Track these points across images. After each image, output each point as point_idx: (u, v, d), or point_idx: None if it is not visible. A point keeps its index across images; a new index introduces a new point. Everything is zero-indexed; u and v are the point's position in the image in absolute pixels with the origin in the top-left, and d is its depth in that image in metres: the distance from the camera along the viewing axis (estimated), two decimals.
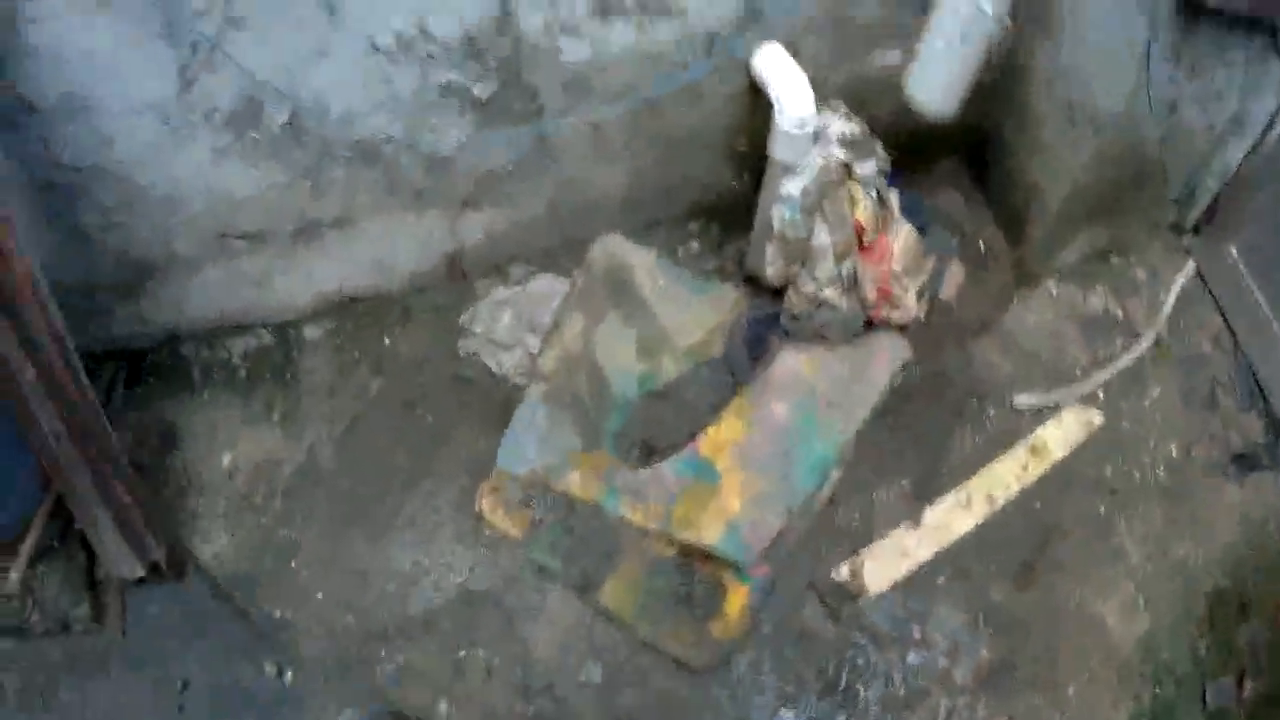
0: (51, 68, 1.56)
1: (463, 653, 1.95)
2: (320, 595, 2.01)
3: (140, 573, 1.95)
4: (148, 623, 2.02)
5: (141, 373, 2.23)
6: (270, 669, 1.97)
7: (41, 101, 1.60)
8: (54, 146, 1.69)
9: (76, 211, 1.85)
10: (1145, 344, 2.33)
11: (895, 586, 1.99)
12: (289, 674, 1.98)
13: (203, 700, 1.95)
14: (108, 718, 1.94)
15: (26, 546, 1.95)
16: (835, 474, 2.00)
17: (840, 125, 1.88)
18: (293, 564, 2.04)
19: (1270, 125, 2.33)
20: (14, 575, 1.93)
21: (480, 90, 1.83)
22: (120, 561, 1.93)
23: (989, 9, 1.79)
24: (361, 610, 1.99)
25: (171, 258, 2.01)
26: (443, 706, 1.92)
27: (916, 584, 2.01)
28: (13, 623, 1.99)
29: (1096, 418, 2.22)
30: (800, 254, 1.95)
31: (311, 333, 2.24)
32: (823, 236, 1.92)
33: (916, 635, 1.96)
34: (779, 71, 1.85)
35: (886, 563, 1.98)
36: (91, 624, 2.01)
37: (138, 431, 2.14)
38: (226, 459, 2.13)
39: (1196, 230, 2.53)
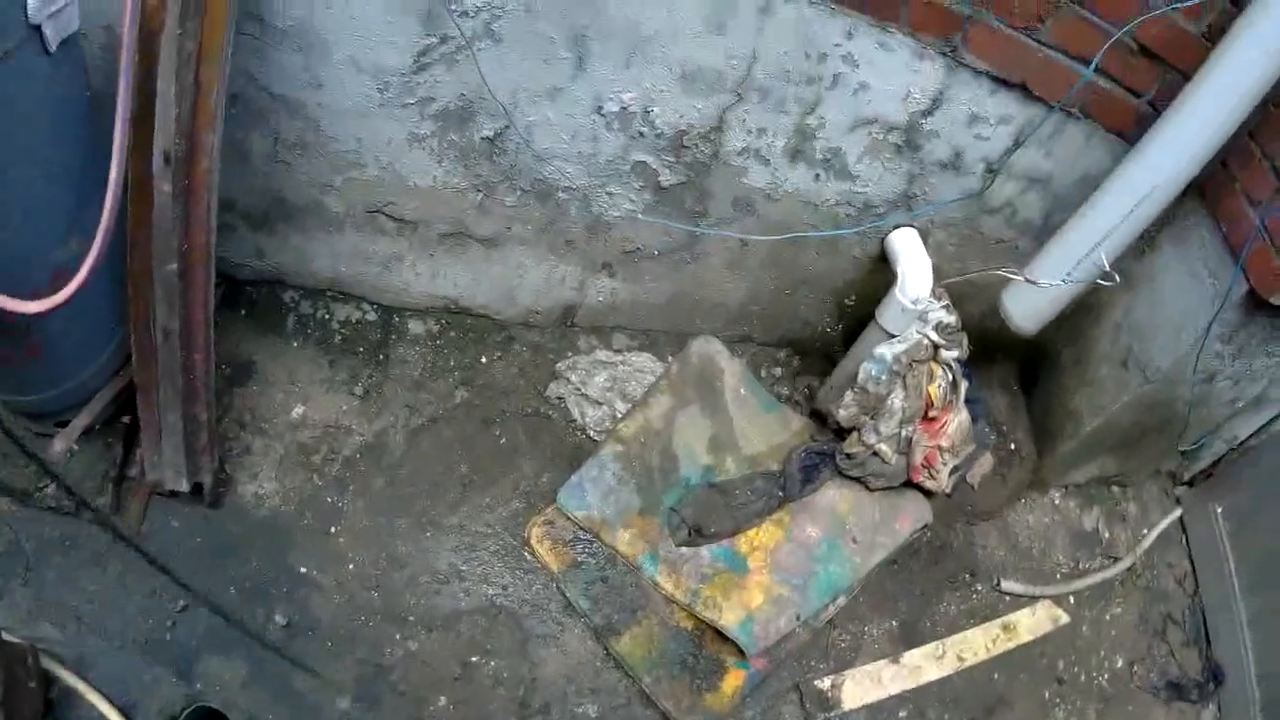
0: None
1: (474, 658, 2.42)
2: (352, 566, 2.43)
3: (184, 486, 2.26)
4: (165, 536, 2.31)
5: (237, 302, 2.64)
6: (280, 619, 2.32)
7: (273, 19, 1.95)
8: (263, 65, 2.05)
9: (251, 131, 2.21)
10: (1120, 568, 3.11)
11: (864, 708, 2.64)
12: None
13: (198, 628, 2.23)
14: (89, 612, 2.18)
15: (80, 421, 2.17)
16: (842, 600, 2.66)
17: (941, 313, 2.58)
18: (333, 529, 2.46)
19: None
20: (59, 445, 2.14)
21: (665, 178, 2.43)
22: (168, 470, 2.24)
23: (1105, 263, 2.51)
24: (388, 592, 2.42)
25: (317, 210, 2.44)
26: (442, 700, 2.36)
27: (882, 712, 2.66)
28: (24, 485, 2.19)
29: (1063, 617, 2.97)
30: (873, 408, 2.64)
31: (416, 327, 2.76)
32: (897, 400, 2.61)
33: None
34: (910, 253, 2.54)
35: (863, 686, 2.65)
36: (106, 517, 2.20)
37: (215, 355, 2.40)
38: (296, 411, 2.57)
39: (1191, 483, 3.35)
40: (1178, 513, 3.30)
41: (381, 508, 2.55)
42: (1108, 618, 3.07)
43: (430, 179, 2.39)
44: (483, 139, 2.30)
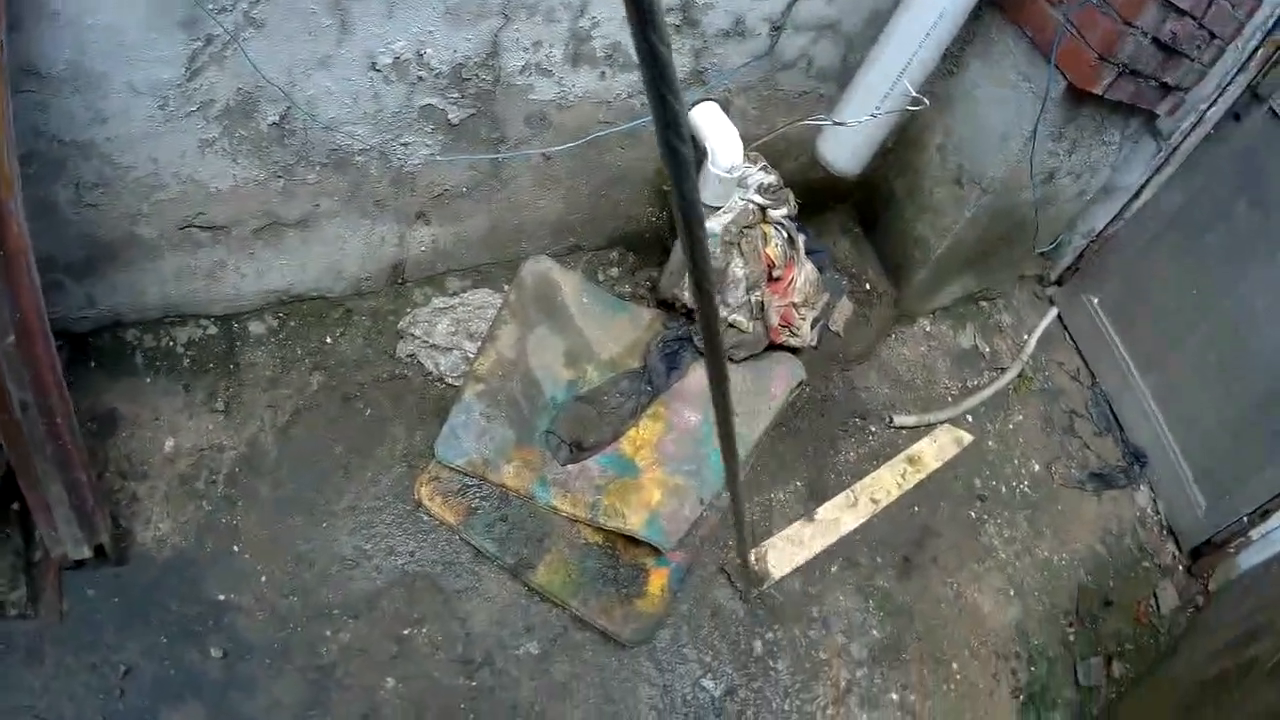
0: (68, 35, 1.91)
1: (406, 631, 2.49)
2: (264, 578, 2.48)
3: (86, 553, 2.27)
4: (86, 607, 2.31)
5: (82, 355, 2.64)
6: (216, 652, 2.34)
7: (48, 69, 1.94)
8: (48, 116, 2.04)
9: (52, 184, 2.20)
10: (1009, 376, 3.22)
11: (795, 572, 2.76)
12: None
13: (145, 686, 2.26)
14: (43, 708, 2.18)
15: None
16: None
17: (760, 175, 2.67)
18: (235, 548, 2.51)
19: (1136, 195, 3.26)
20: None
21: (454, 115, 2.50)
22: (68, 541, 2.24)
23: (911, 90, 2.59)
24: (305, 592, 2.48)
25: (133, 242, 2.46)
26: (389, 682, 2.42)
27: (813, 571, 2.79)
28: None
29: (966, 437, 3.08)
30: (715, 283, 2.71)
31: (256, 327, 2.81)
32: (737, 268, 2.69)
33: (815, 614, 2.74)
34: (714, 126, 2.63)
35: (786, 551, 2.75)
36: (27, 608, 2.24)
37: (78, 417, 2.40)
38: (168, 444, 2.61)
39: (1060, 282, 3.47)
40: (1054, 312, 3.42)
41: (273, 513, 2.59)
42: (1011, 427, 3.20)
43: (230, 179, 2.43)
44: (270, 125, 2.34)
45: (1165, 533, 3.33)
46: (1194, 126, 3.16)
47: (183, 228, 2.49)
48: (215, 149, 2.32)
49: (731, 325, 2.74)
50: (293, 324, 2.84)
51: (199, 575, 2.45)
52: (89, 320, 2.64)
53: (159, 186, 2.35)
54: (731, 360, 2.84)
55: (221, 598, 2.44)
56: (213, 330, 2.78)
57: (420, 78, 2.37)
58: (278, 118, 2.32)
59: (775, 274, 2.74)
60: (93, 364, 2.66)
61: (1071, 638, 2.99)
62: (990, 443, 3.16)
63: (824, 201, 3.14)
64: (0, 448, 2.14)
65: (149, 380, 2.67)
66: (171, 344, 2.74)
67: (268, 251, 2.67)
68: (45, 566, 2.32)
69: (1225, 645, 2.94)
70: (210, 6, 2.02)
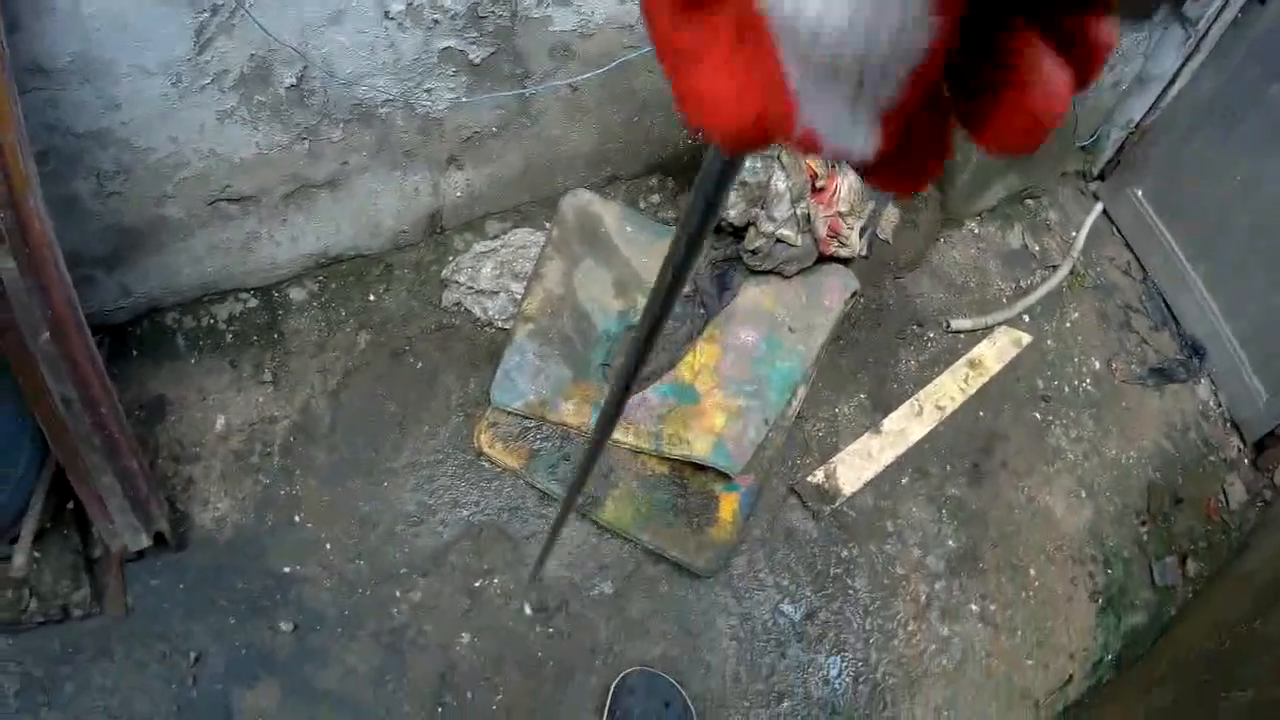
0: (70, 27, 1.84)
1: (477, 583, 2.44)
2: (328, 545, 2.43)
3: (145, 542, 2.23)
4: (151, 598, 2.29)
5: (123, 346, 2.61)
6: (286, 626, 2.32)
7: (53, 64, 1.89)
8: (59, 111, 1.99)
9: (72, 178, 2.18)
10: (1061, 274, 3.15)
11: (865, 487, 2.68)
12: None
13: (218, 670, 2.24)
14: (117, 705, 2.17)
15: (28, 528, 2.12)
16: (801, 391, 2.69)
17: None
18: (297, 518, 2.46)
19: (1170, 83, 3.18)
20: (19, 560, 2.10)
21: (475, 55, 2.42)
22: (125, 533, 2.20)
23: None
24: (371, 554, 2.44)
25: (161, 225, 2.42)
26: (465, 637, 2.38)
27: (884, 484, 2.71)
28: (8, 616, 2.14)
29: (1025, 337, 3.01)
30: (759, 198, 2.65)
31: (296, 294, 2.75)
32: (780, 182, 2.62)
33: (890, 529, 2.67)
34: None
35: (855, 466, 2.68)
36: (92, 606, 2.21)
37: (124, 407, 2.39)
38: (219, 423, 2.56)
39: (1102, 176, 3.38)
40: (1099, 207, 3.34)
41: (332, 478, 2.54)
42: (1068, 325, 3.12)
43: (254, 148, 2.37)
44: (288, 88, 2.28)
45: (1229, 426, 3.25)
46: (1219, 12, 3.08)
47: (211, 203, 2.44)
48: (234, 119, 2.26)
49: (780, 240, 2.65)
50: (334, 286, 2.78)
51: (262, 550, 2.41)
52: (125, 310, 2.60)
53: (181, 165, 2.29)
54: (783, 275, 2.76)
55: (287, 570, 2.39)
56: (253, 302, 2.72)
57: (436, 21, 2.29)
58: (295, 79, 2.25)
59: (818, 184, 2.66)
60: (134, 353, 2.62)
61: (1145, 537, 2.91)
62: (1049, 342, 3.08)
63: None
64: (48, 447, 2.09)
65: (193, 361, 2.63)
66: (212, 322, 2.69)
67: (300, 216, 2.60)
68: (106, 562, 2.30)
69: None
70: None
